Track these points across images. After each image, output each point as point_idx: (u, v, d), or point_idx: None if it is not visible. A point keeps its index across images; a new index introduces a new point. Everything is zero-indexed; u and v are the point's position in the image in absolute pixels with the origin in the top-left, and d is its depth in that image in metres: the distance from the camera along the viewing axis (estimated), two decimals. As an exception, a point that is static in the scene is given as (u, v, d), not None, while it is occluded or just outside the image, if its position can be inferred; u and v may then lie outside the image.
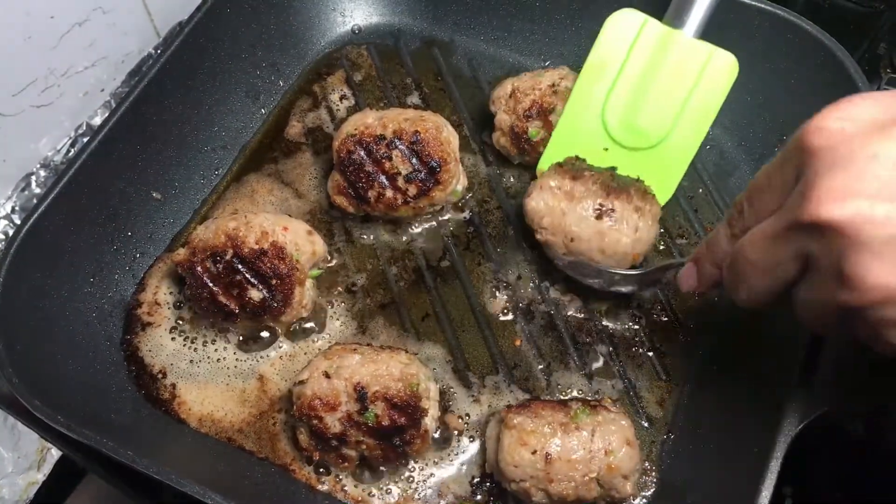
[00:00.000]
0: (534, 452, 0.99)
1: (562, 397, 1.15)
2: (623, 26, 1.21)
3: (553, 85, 1.26)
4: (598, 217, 1.12)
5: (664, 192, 1.25)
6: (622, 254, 1.14)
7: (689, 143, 1.23)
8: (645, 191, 1.17)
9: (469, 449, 1.12)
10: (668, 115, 1.21)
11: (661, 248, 1.27)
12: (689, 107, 1.20)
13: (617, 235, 1.12)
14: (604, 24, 1.21)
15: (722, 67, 1.19)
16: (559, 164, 1.20)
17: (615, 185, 1.15)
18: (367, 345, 1.14)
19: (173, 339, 1.20)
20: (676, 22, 1.18)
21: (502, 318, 1.22)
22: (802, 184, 0.70)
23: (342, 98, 1.43)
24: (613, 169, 1.21)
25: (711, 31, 1.18)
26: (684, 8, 1.16)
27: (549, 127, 1.26)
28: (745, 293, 0.81)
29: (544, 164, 1.26)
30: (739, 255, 0.79)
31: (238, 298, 1.12)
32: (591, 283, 1.16)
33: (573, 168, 1.18)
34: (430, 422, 1.07)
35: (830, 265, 0.68)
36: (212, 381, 1.17)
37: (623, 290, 1.16)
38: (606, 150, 1.24)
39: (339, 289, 1.25)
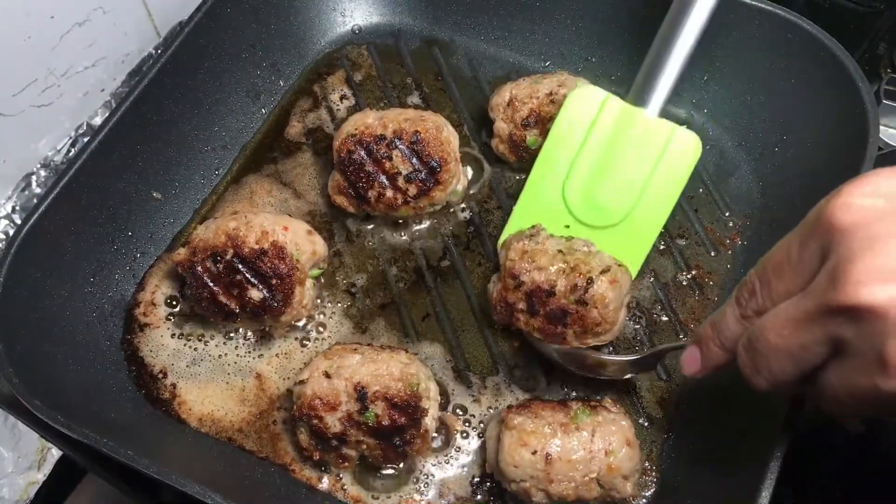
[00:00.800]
0: (534, 453, 0.99)
1: (562, 397, 1.15)
2: (584, 102, 1.19)
3: (551, 94, 1.26)
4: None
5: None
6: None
7: (653, 223, 1.19)
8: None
9: (469, 449, 1.12)
10: (630, 193, 1.18)
11: (662, 247, 1.27)
12: (651, 186, 1.17)
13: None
14: (565, 101, 1.19)
15: (685, 147, 1.16)
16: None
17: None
18: (368, 345, 1.15)
19: (173, 338, 1.20)
20: (639, 100, 1.16)
21: (502, 317, 1.22)
22: (833, 265, 0.66)
23: (342, 98, 1.43)
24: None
25: (712, 32, 1.18)
26: (647, 87, 1.15)
27: (546, 135, 1.26)
28: (766, 379, 0.75)
29: (505, 236, 1.22)
30: (759, 340, 0.73)
31: (238, 298, 1.12)
32: (585, 373, 1.12)
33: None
34: (430, 422, 1.07)
35: (869, 351, 0.64)
36: (212, 381, 1.17)
37: (619, 377, 1.12)
38: (568, 227, 1.21)
39: (340, 289, 1.25)
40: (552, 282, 1.10)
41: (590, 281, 1.08)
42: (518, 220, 1.22)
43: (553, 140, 1.20)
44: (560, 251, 1.12)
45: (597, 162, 1.19)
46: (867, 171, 0.93)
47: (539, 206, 1.22)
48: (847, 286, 0.64)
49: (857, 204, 0.66)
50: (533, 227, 1.18)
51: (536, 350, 1.16)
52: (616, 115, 1.17)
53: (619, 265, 1.13)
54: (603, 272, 1.09)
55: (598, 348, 1.16)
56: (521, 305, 1.12)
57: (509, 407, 1.08)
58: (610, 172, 1.18)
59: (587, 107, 1.19)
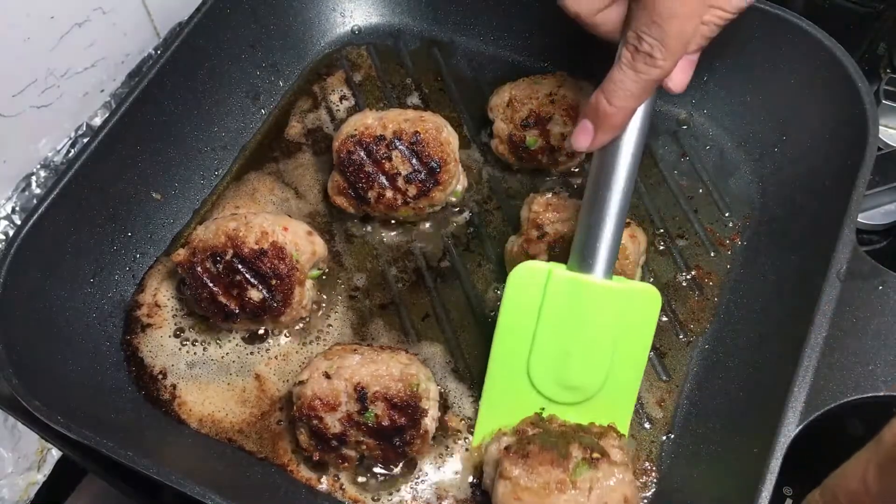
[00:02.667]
0: None
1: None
2: (527, 281, 1.07)
3: (550, 94, 1.26)
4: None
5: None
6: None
7: (629, 384, 1.10)
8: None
9: (468, 448, 1.12)
10: (600, 364, 1.07)
11: (661, 247, 1.26)
12: (619, 351, 1.07)
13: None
14: (507, 282, 1.07)
15: (643, 303, 1.06)
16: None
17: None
18: (367, 345, 1.15)
19: (173, 339, 1.20)
20: (583, 267, 1.04)
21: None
22: None
23: (342, 98, 1.43)
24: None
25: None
26: (588, 253, 1.03)
27: (546, 136, 1.26)
28: None
29: (478, 438, 1.12)
30: None
31: (238, 298, 1.12)
32: None
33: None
34: (429, 422, 1.07)
35: None
36: (212, 381, 1.17)
37: None
38: (543, 409, 1.10)
39: (339, 289, 1.25)
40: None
41: None
42: (487, 415, 1.12)
43: (505, 325, 1.09)
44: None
45: (557, 340, 1.07)
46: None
47: (507, 395, 1.10)
48: None
49: None
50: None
51: None
52: (564, 287, 1.05)
53: (638, 224, 1.15)
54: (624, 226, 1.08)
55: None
56: (543, 257, 1.14)
57: (507, 448, 1.03)
58: (574, 348, 1.07)
59: (532, 285, 1.06)
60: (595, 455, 1.00)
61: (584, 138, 0.98)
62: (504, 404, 1.11)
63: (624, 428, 1.11)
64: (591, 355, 1.08)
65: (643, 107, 0.98)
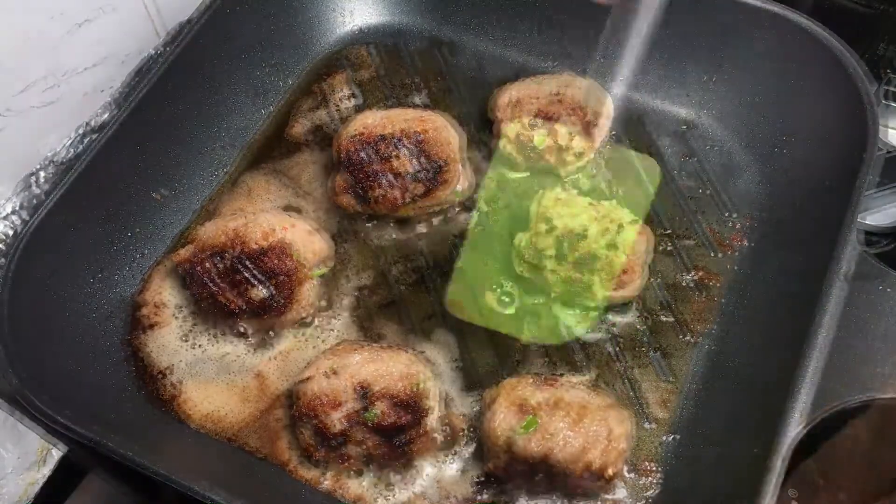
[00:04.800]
0: None
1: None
2: None
3: (557, 93, 1.26)
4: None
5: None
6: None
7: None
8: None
9: (472, 448, 1.11)
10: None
11: (667, 248, 1.26)
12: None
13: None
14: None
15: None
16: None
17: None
18: (371, 344, 1.14)
19: (176, 338, 1.20)
20: None
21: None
22: None
23: (346, 98, 1.43)
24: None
25: (718, 34, 1.18)
26: None
27: (554, 135, 1.26)
28: None
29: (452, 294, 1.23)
30: None
31: (241, 297, 1.12)
32: None
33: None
34: (432, 421, 1.07)
35: None
36: (214, 380, 1.17)
37: None
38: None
39: (343, 288, 1.24)
40: (584, 226, 1.14)
41: (620, 227, 1.13)
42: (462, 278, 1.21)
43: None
44: (590, 203, 1.17)
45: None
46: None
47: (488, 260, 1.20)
48: None
49: None
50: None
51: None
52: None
53: (645, 223, 1.19)
54: (632, 222, 1.14)
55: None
56: (551, 252, 1.15)
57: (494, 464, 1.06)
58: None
59: None
60: None
61: None
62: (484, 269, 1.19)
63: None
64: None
65: None
